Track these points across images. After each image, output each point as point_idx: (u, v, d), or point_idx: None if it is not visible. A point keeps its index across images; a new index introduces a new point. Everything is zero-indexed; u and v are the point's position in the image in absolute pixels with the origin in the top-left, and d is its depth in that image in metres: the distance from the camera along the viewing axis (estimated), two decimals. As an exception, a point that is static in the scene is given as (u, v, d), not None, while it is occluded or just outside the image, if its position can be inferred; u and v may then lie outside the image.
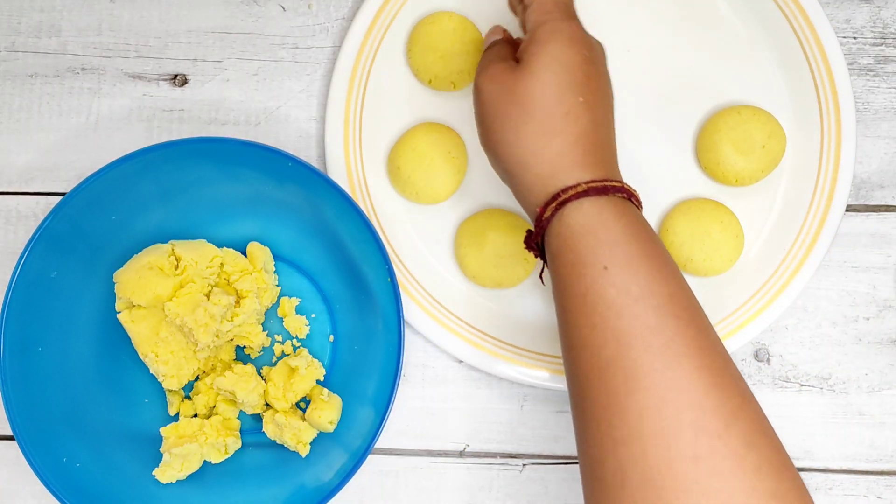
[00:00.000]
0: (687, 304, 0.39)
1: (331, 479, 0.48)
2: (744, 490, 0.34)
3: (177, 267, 0.50)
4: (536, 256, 0.45)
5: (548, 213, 0.42)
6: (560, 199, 0.41)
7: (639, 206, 0.43)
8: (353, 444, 0.49)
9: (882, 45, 0.55)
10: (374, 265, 0.49)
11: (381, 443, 0.54)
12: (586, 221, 0.40)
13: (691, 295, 0.40)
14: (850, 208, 0.54)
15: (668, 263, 0.40)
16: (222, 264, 0.51)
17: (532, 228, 0.44)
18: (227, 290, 0.50)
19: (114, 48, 0.56)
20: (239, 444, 0.52)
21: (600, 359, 0.38)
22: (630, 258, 0.39)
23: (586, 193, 0.41)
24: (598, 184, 0.41)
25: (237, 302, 0.50)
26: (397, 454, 0.54)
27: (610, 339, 0.38)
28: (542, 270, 0.44)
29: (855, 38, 0.55)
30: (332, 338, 0.53)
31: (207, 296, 0.50)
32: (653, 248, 0.40)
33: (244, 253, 0.53)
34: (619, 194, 0.41)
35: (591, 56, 0.43)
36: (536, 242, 0.44)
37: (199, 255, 0.50)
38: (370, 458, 0.53)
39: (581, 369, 0.39)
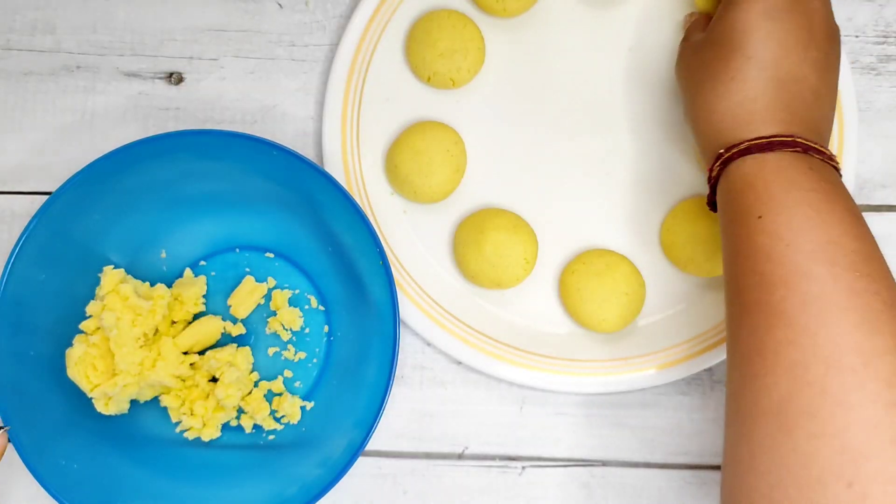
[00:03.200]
0: (847, 252, 0.38)
1: (324, 475, 0.48)
2: (869, 422, 0.34)
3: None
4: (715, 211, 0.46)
5: (714, 173, 0.44)
6: (723, 158, 0.43)
7: (820, 156, 0.42)
8: (349, 437, 0.48)
9: (884, 43, 0.55)
10: (365, 251, 0.49)
11: (379, 445, 0.53)
12: (745, 177, 0.42)
13: (855, 242, 0.39)
14: (852, 208, 0.54)
15: (831, 211, 0.40)
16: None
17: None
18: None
19: (109, 46, 0.56)
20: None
21: (748, 300, 0.40)
22: (785, 206, 0.40)
23: (748, 151, 0.42)
24: (763, 140, 0.42)
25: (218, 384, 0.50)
26: (395, 456, 0.53)
27: (757, 282, 0.39)
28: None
29: (857, 36, 0.55)
30: (326, 328, 0.53)
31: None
32: (815, 195, 0.40)
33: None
34: (789, 149, 0.42)
35: (792, 4, 0.44)
36: (713, 201, 0.46)
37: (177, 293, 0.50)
38: (368, 461, 0.53)
39: (732, 310, 0.41)
